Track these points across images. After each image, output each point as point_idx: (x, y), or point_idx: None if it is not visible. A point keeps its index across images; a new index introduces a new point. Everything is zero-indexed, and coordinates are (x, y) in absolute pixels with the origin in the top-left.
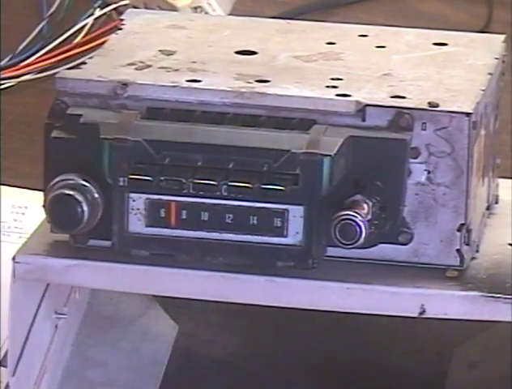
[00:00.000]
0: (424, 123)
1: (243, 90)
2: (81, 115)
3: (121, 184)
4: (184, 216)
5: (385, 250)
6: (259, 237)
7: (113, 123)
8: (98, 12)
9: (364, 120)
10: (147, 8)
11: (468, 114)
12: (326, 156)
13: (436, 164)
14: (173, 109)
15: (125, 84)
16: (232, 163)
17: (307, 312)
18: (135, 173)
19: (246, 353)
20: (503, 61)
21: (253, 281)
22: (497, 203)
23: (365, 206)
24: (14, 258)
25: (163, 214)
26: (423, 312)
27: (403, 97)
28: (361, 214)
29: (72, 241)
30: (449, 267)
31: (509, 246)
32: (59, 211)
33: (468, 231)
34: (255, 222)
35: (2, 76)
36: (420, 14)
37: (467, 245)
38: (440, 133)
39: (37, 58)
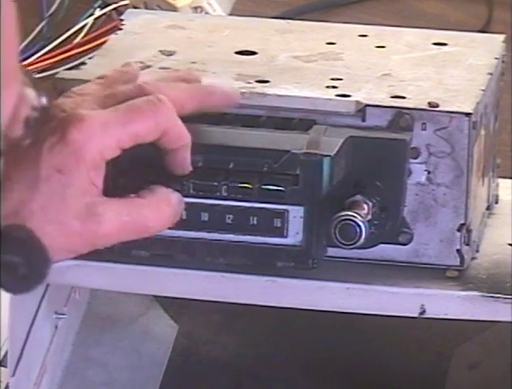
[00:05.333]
0: (424, 123)
1: (243, 90)
2: None
3: (122, 184)
4: (184, 217)
5: (385, 250)
6: (259, 238)
7: None
8: (98, 12)
9: (364, 120)
10: (147, 8)
11: (468, 114)
12: (326, 157)
13: (436, 165)
14: None
15: None
16: (232, 163)
17: (307, 312)
18: (135, 174)
19: (246, 353)
20: (503, 61)
21: (254, 281)
22: (497, 202)
23: (365, 206)
24: None
25: None
26: (423, 312)
27: (403, 97)
28: (361, 214)
29: None
30: (449, 267)
31: (510, 246)
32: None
33: (468, 231)
34: (255, 222)
35: None
36: (420, 14)
37: (467, 245)
38: (440, 133)
39: (37, 58)
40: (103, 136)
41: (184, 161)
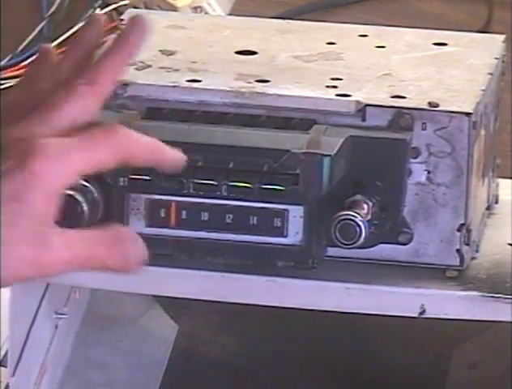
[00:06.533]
0: (425, 123)
1: (243, 90)
2: None
3: (121, 184)
4: (184, 216)
5: (385, 250)
6: (259, 237)
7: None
8: (98, 12)
9: (364, 120)
10: (147, 8)
11: (468, 114)
12: (326, 156)
13: (436, 164)
14: (173, 109)
15: (125, 84)
16: (232, 163)
17: (307, 312)
18: (135, 173)
19: (246, 353)
20: (503, 61)
21: (254, 281)
22: (497, 202)
23: (365, 206)
24: None
25: (163, 214)
26: (423, 312)
27: (403, 97)
28: (361, 214)
29: None
30: (449, 266)
31: (509, 246)
32: (59, 211)
33: (468, 231)
34: (255, 222)
35: (2, 76)
36: (419, 14)
37: (467, 245)
38: (440, 133)
39: None
40: (62, 165)
41: (173, 163)
